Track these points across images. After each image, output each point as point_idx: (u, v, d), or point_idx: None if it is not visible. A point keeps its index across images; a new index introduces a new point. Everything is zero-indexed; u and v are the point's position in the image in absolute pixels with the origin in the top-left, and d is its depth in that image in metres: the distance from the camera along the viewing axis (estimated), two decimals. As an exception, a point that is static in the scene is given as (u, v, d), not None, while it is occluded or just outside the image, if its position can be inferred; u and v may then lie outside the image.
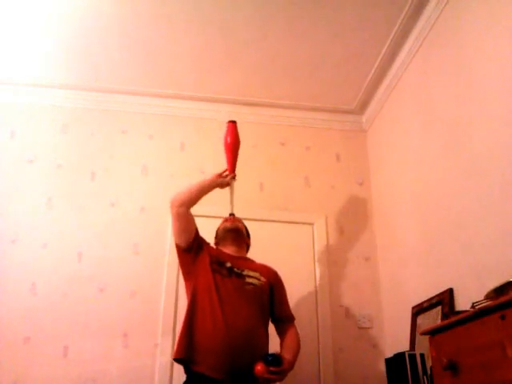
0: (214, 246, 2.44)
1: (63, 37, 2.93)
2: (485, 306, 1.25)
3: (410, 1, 2.61)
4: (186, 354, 1.99)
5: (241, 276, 2.19)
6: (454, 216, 2.27)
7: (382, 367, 2.64)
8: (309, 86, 3.31)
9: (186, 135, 3.41)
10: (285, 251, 3.10)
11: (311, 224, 3.23)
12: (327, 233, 3.22)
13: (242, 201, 3.19)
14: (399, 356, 2.18)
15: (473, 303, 1.41)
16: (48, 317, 2.80)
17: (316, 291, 3.04)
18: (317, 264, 3.11)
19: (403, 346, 2.60)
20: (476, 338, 1.28)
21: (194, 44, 2.97)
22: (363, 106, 3.48)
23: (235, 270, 2.19)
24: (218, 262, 2.20)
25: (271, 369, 1.88)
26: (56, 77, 3.26)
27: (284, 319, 2.29)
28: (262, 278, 2.24)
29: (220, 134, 3.37)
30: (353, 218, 3.30)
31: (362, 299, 3.07)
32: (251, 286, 2.17)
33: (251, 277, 2.20)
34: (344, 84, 3.29)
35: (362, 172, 3.46)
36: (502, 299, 1.17)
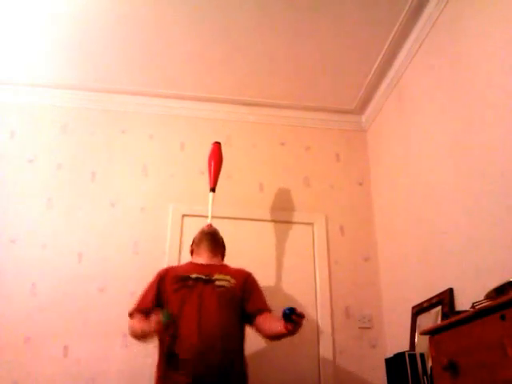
0: (190, 255, 2.51)
1: (63, 37, 2.93)
2: (485, 306, 1.25)
3: (410, 1, 2.61)
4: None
5: (209, 281, 2.20)
6: (454, 216, 2.27)
7: (382, 367, 2.64)
8: (309, 86, 3.31)
9: (185, 135, 3.41)
10: (285, 251, 3.10)
11: (311, 224, 3.23)
12: (327, 233, 3.22)
13: (242, 201, 3.20)
14: (399, 356, 2.18)
15: (473, 303, 1.41)
16: (48, 317, 2.80)
17: (316, 291, 3.04)
18: (317, 264, 3.11)
19: (403, 346, 2.60)
20: (476, 338, 1.28)
21: (194, 44, 2.97)
22: (363, 105, 3.48)
23: (203, 277, 2.21)
24: (180, 279, 2.21)
25: (293, 317, 1.90)
26: (56, 77, 3.26)
27: (257, 312, 2.25)
28: (233, 281, 2.25)
29: (220, 133, 3.40)
30: (353, 218, 3.30)
31: (362, 299, 3.07)
32: (222, 289, 2.19)
33: (221, 280, 2.22)
34: (344, 84, 3.29)
35: (362, 172, 3.46)
36: (502, 299, 1.17)
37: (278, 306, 2.86)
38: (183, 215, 3.13)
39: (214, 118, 3.47)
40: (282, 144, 3.48)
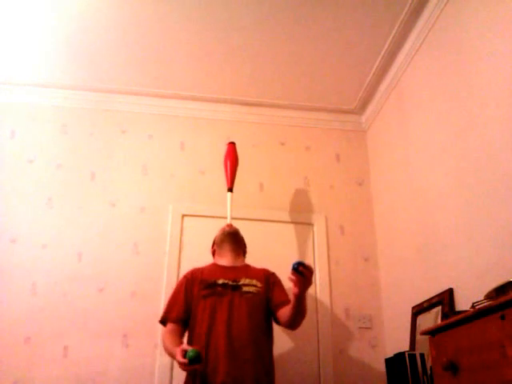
0: (212, 256, 2.49)
1: (63, 37, 2.93)
2: (485, 306, 1.25)
3: (410, 1, 2.61)
4: None
5: (237, 288, 2.20)
6: (454, 216, 2.27)
7: (382, 367, 2.65)
8: (309, 86, 3.31)
9: (185, 135, 3.41)
10: (285, 251, 3.10)
11: (311, 224, 3.23)
12: (327, 233, 3.22)
13: (242, 201, 3.20)
14: (399, 356, 2.18)
15: (473, 303, 1.41)
16: (48, 317, 2.80)
17: (316, 291, 3.04)
18: (317, 264, 3.11)
19: (403, 345, 2.60)
20: (476, 338, 1.28)
21: (194, 44, 2.97)
22: (363, 106, 3.48)
23: (230, 283, 2.21)
24: (208, 285, 2.21)
25: (300, 269, 1.91)
26: (56, 77, 3.26)
27: (280, 304, 2.23)
28: (259, 284, 2.26)
29: (220, 133, 3.40)
30: (353, 218, 3.30)
31: (362, 299, 3.07)
32: (250, 295, 2.19)
33: (247, 285, 2.22)
34: (344, 84, 3.29)
35: (362, 172, 3.46)
36: (502, 299, 1.17)
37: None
38: (183, 215, 3.13)
39: (214, 118, 3.47)
40: (282, 144, 3.48)
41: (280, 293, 2.29)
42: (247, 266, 2.40)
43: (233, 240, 2.42)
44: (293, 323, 2.17)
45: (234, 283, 2.21)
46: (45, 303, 2.83)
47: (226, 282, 2.21)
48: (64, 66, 3.17)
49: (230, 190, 2.83)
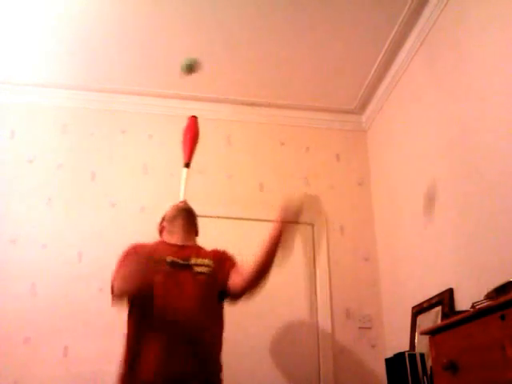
0: (158, 235, 2.24)
1: (63, 37, 2.93)
2: (485, 306, 1.25)
3: (410, 1, 2.61)
4: None
5: (188, 266, 1.94)
6: (454, 216, 2.27)
7: (382, 367, 2.64)
8: (309, 86, 3.31)
9: (185, 135, 3.41)
10: (285, 251, 3.09)
11: (311, 224, 3.23)
12: (327, 233, 3.22)
13: (242, 201, 3.20)
14: (399, 356, 2.18)
15: (473, 303, 1.41)
16: (48, 317, 2.80)
17: (316, 291, 3.04)
18: (317, 264, 3.11)
19: (403, 345, 2.60)
20: (476, 338, 1.28)
21: (194, 44, 2.97)
22: (363, 105, 3.48)
23: (179, 262, 1.94)
24: (154, 263, 1.90)
25: None
26: (56, 77, 3.26)
27: (238, 269, 1.99)
28: (212, 264, 1.99)
29: (220, 133, 3.40)
30: (353, 218, 3.30)
31: (362, 299, 3.07)
32: (202, 276, 1.94)
33: (200, 265, 1.97)
34: (344, 84, 3.29)
35: (362, 172, 3.45)
36: (502, 299, 1.17)
37: (277, 306, 2.88)
38: (183, 215, 3.12)
39: (214, 118, 3.46)
40: (282, 144, 3.48)
41: (232, 264, 2.04)
42: (199, 247, 2.13)
43: (186, 216, 2.15)
44: (253, 278, 1.92)
45: (184, 262, 1.95)
46: (45, 303, 2.83)
47: (174, 260, 1.94)
48: (64, 66, 3.17)
49: (187, 165, 2.59)
